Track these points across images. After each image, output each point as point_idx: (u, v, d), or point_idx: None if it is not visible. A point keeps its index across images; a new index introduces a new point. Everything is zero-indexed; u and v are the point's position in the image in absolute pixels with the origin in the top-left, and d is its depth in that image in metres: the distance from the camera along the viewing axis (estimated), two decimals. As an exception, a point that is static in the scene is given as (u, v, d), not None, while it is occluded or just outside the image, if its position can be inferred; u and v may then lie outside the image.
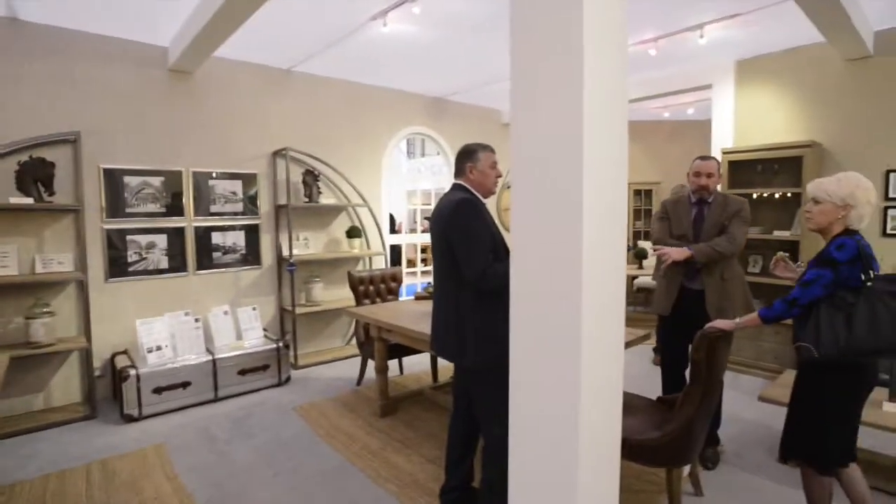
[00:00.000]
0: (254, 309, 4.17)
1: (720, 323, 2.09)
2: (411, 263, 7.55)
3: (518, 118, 1.29)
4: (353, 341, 5.18)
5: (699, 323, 2.35)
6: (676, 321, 2.75)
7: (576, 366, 1.19)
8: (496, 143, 6.36)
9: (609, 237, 1.27)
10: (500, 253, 2.11)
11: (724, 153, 4.29)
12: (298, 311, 4.45)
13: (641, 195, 7.03)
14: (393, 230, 5.99)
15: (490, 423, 2.13)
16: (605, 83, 1.20)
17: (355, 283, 3.97)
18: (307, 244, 4.77)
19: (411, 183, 11.46)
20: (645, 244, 6.68)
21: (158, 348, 3.54)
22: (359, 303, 3.99)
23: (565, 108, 1.17)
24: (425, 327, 2.84)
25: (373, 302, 4.07)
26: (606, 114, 1.22)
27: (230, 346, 3.90)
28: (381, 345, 3.36)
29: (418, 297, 3.88)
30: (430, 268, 6.18)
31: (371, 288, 4.08)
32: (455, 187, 2.23)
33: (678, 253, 2.64)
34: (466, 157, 2.21)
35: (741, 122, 4.49)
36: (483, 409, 2.15)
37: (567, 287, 1.20)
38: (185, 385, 3.53)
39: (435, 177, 6.64)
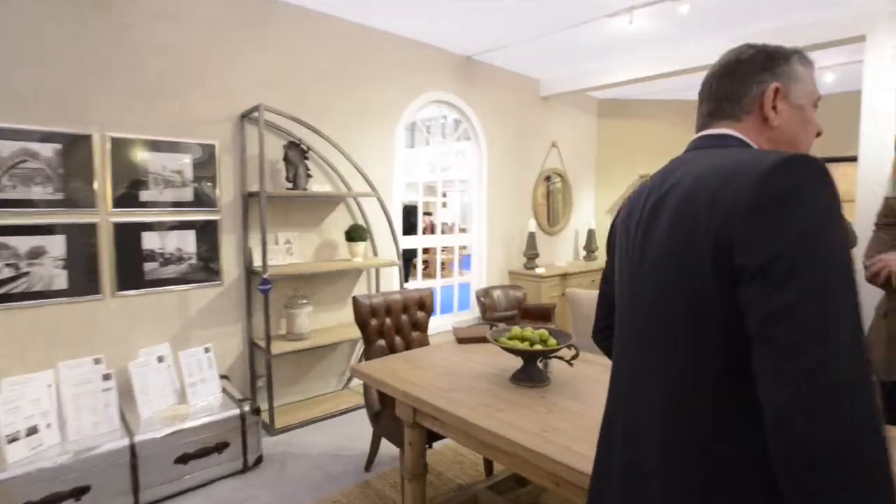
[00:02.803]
0: (207, 350, 2.73)
1: None
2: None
3: None
4: (353, 383, 3.78)
5: None
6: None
7: None
8: (534, 123, 4.88)
9: None
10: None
11: (900, 129, 2.99)
12: (276, 348, 3.02)
13: (705, 190, 5.74)
14: (409, 229, 4.58)
15: None
16: None
17: (365, 316, 2.57)
18: (290, 250, 3.34)
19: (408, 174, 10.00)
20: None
21: (33, 431, 2.09)
22: (370, 344, 2.59)
23: None
24: (522, 429, 1.45)
25: (391, 343, 2.67)
26: None
27: (165, 415, 2.47)
28: (417, 434, 1.96)
29: (463, 340, 2.50)
30: (453, 280, 4.68)
31: (388, 321, 2.67)
32: (724, 141, 0.85)
33: None
34: (763, 70, 0.83)
35: (910, 87, 3.18)
36: None
37: None
38: (79, 493, 2.10)
39: (434, 171, 5.26)
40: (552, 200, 5.51)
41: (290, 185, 3.16)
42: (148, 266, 2.79)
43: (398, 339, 2.71)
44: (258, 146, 2.94)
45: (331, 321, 3.62)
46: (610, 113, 5.98)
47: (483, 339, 2.50)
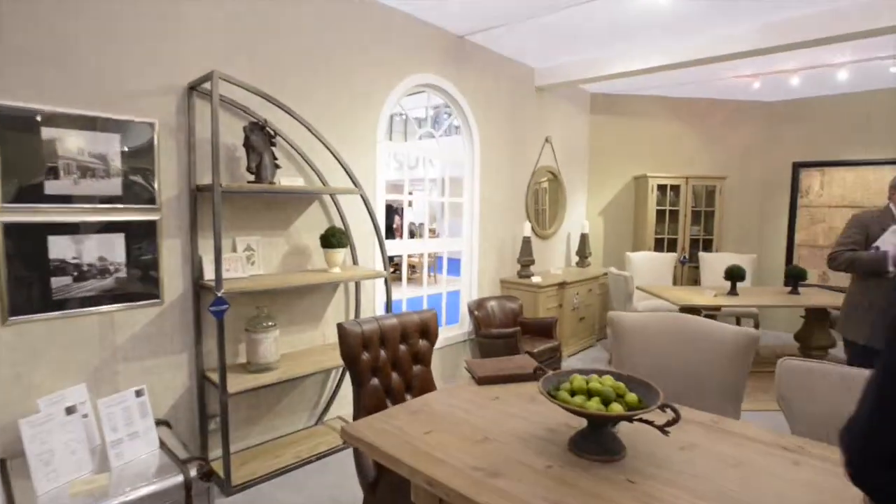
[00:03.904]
0: (139, 394, 2.05)
1: None
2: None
3: None
4: (328, 416, 3.15)
5: None
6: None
7: None
8: (528, 115, 4.12)
9: None
10: None
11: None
12: (234, 384, 2.37)
13: (703, 194, 5.40)
14: (389, 231, 3.96)
15: None
16: None
17: (355, 349, 1.96)
18: (251, 259, 2.68)
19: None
20: (720, 256, 5.06)
21: None
22: (361, 385, 1.98)
23: None
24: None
25: (387, 383, 2.07)
26: None
27: (75, 490, 1.78)
28: (443, 532, 1.39)
29: (485, 380, 1.94)
30: (430, 290, 4.12)
31: (383, 354, 2.08)
32: None
33: None
34: None
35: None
36: None
37: None
38: None
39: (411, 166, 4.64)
40: (539, 201, 5.01)
41: (253, 178, 2.50)
42: (57, 281, 2.08)
43: (395, 377, 2.12)
44: (211, 127, 2.27)
45: (301, 344, 2.98)
46: (603, 108, 5.56)
47: (510, 379, 1.95)
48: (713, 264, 5.07)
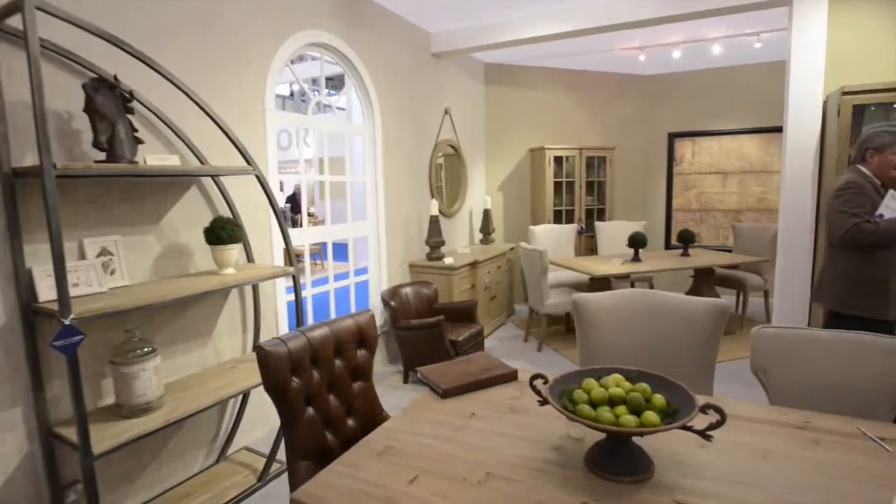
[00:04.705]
0: (-56, 486, 1.36)
1: None
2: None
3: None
4: (231, 449, 2.59)
5: None
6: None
7: None
8: (427, 85, 3.72)
9: None
10: None
11: (844, 94, 2.86)
12: (101, 441, 1.73)
13: (595, 165, 5.55)
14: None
15: None
16: None
17: (281, 377, 1.49)
18: (109, 266, 2.01)
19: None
20: (611, 225, 5.25)
21: None
22: (294, 420, 1.52)
23: None
24: None
25: (324, 410, 1.63)
26: None
27: None
28: None
29: (452, 391, 1.61)
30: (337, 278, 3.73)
31: (316, 376, 1.63)
32: None
33: None
34: None
35: (839, 54, 3.10)
36: None
37: None
38: None
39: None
40: (438, 177, 4.70)
41: (106, 156, 1.83)
42: None
43: (333, 400, 1.69)
44: (31, 83, 1.56)
45: (189, 367, 2.36)
46: (497, 79, 5.41)
47: (481, 385, 1.65)
48: (608, 233, 5.26)
